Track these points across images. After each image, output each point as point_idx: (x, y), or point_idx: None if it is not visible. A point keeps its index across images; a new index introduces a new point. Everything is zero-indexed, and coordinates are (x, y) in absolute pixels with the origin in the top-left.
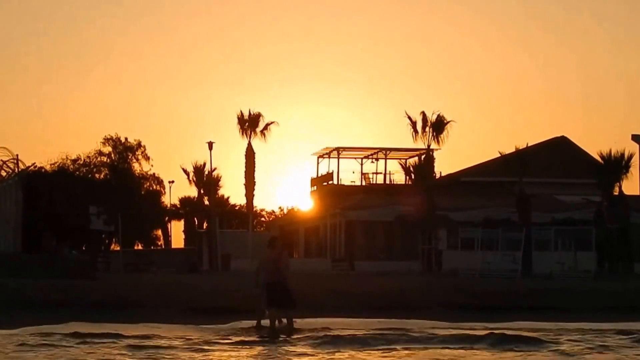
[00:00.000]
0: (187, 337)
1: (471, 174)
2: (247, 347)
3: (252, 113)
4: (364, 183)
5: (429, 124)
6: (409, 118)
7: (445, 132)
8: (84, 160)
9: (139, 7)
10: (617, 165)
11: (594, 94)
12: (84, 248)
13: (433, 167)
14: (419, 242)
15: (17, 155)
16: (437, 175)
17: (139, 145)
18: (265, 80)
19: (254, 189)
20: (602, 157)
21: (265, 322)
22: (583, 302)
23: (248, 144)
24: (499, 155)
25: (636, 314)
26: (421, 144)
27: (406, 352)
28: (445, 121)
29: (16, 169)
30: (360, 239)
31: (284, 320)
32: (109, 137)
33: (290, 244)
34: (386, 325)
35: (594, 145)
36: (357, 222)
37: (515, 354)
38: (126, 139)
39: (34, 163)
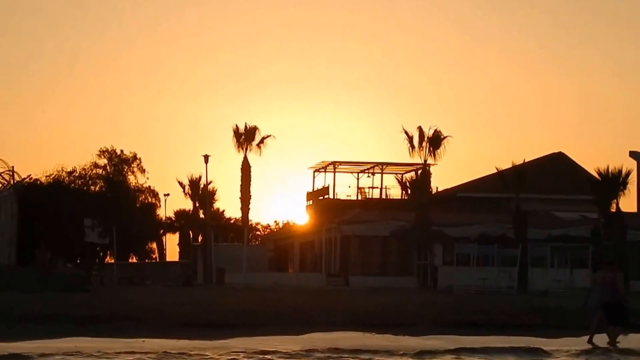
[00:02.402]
0: None
1: (467, 190)
2: None
3: (248, 126)
4: (360, 198)
5: (426, 139)
6: (406, 133)
7: (442, 147)
8: (79, 172)
9: (135, 21)
10: (614, 182)
11: (592, 111)
12: (78, 261)
13: (429, 182)
14: (415, 257)
15: (12, 167)
16: (434, 191)
17: (135, 157)
18: (261, 94)
19: (249, 203)
20: (599, 173)
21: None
22: (579, 319)
23: (244, 158)
24: (496, 171)
25: (631, 332)
26: (418, 159)
27: None
28: (442, 136)
29: (11, 181)
30: (355, 254)
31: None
32: (104, 149)
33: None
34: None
35: (592, 161)
36: (352, 237)
37: None
38: (122, 151)
39: (30, 175)
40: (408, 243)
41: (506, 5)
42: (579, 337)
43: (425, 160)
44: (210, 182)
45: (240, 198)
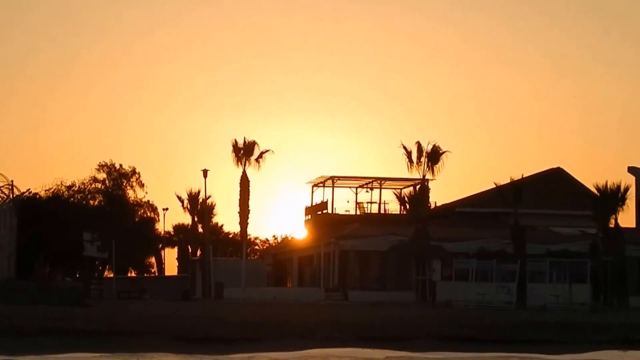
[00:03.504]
0: None
1: (466, 205)
2: None
3: (247, 141)
4: (358, 212)
5: (425, 154)
6: (404, 148)
7: (440, 162)
8: (79, 186)
9: (134, 35)
10: (613, 198)
11: (591, 126)
12: (77, 275)
13: (428, 197)
14: (413, 272)
15: (12, 181)
16: (432, 206)
17: (134, 172)
18: (260, 108)
19: (248, 217)
20: (598, 189)
21: None
22: (578, 334)
23: (243, 172)
24: (494, 186)
25: (630, 346)
26: (416, 174)
27: None
28: (440, 151)
29: (11, 195)
30: (354, 269)
31: None
32: (103, 163)
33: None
34: None
35: (590, 177)
36: (351, 252)
37: None
38: (121, 165)
39: (29, 189)
40: (407, 258)
41: (507, 19)
42: (579, 353)
43: (424, 175)
44: (209, 197)
45: (239, 212)
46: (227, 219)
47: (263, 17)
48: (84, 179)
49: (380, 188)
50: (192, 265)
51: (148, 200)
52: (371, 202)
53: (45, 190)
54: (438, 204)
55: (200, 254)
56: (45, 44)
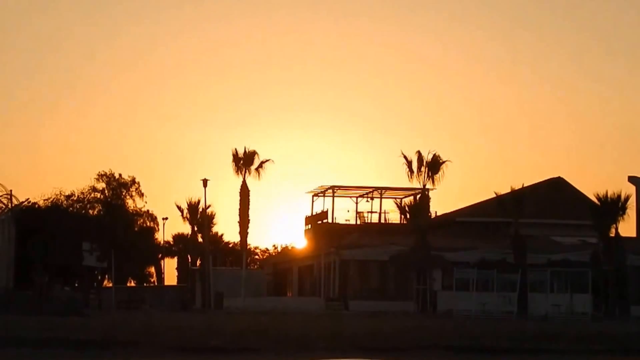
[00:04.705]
0: None
1: (466, 214)
2: None
3: (247, 151)
4: (358, 222)
5: (425, 163)
6: (405, 157)
7: (440, 172)
8: (78, 196)
9: (136, 47)
10: (613, 207)
11: (592, 135)
12: (76, 285)
13: (428, 206)
14: (414, 282)
15: (10, 190)
16: (432, 215)
17: (133, 181)
18: (261, 119)
19: (248, 227)
20: (598, 198)
21: None
22: (579, 344)
23: (243, 182)
24: (495, 195)
25: (632, 356)
26: (416, 184)
27: None
28: (440, 161)
29: (10, 205)
30: (354, 279)
31: None
32: (102, 173)
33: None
34: None
35: (591, 186)
36: (351, 262)
37: None
38: (120, 175)
39: (28, 199)
40: (407, 267)
41: (505, 32)
42: None
43: (424, 185)
44: (209, 206)
45: (238, 222)
46: (227, 229)
47: (264, 31)
48: (83, 189)
49: (381, 198)
50: (192, 275)
51: (147, 210)
52: (371, 212)
53: (44, 200)
54: (438, 214)
55: (200, 264)
56: (47, 55)
